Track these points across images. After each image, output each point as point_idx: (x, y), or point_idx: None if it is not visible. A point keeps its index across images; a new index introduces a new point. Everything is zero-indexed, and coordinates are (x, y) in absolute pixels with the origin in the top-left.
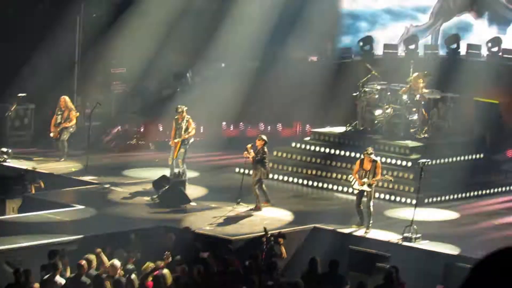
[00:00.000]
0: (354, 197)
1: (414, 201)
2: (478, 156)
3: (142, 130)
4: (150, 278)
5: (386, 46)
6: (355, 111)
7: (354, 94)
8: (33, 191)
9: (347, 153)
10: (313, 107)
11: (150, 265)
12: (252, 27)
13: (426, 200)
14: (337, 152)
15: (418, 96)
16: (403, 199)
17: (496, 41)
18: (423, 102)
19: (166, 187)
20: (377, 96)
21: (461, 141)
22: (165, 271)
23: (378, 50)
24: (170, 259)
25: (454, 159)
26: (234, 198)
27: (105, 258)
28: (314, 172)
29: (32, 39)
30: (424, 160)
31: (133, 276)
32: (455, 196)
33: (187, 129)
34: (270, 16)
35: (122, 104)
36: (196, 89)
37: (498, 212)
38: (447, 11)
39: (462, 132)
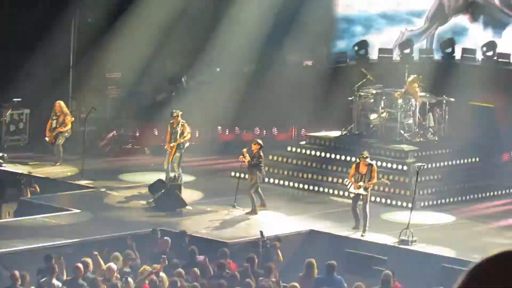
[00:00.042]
0: (350, 201)
1: (410, 205)
2: (473, 160)
3: (137, 134)
4: (147, 282)
5: (381, 50)
6: (350, 115)
7: (350, 98)
8: (29, 195)
9: (343, 157)
10: (308, 111)
11: (146, 268)
12: (247, 31)
13: (422, 204)
14: (333, 156)
15: (413, 100)
16: (399, 203)
17: (491, 45)
18: (418, 106)
19: (162, 191)
20: (372, 100)
21: (456, 145)
22: (162, 274)
23: (373, 55)
24: (167, 262)
25: (450, 163)
26: (230, 202)
27: (101, 262)
28: (310, 176)
29: (27, 43)
30: (419, 164)
31: (129, 279)
32: (451, 199)
33: (182, 133)
34: (265, 21)
35: (117, 109)
36: (191, 93)
37: (494, 216)
38: (442, 16)
39: (458, 136)
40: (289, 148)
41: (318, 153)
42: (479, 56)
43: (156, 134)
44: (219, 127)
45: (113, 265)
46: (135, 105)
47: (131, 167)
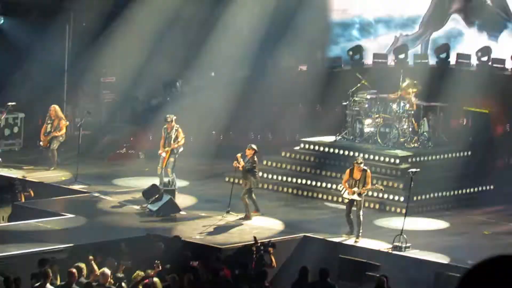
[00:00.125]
0: (344, 206)
1: (404, 211)
2: (468, 165)
3: (131, 139)
4: (140, 287)
5: (375, 55)
6: (345, 121)
7: (344, 103)
8: (23, 200)
9: (337, 163)
10: (303, 116)
11: (140, 273)
12: (242, 36)
13: (416, 210)
14: (327, 161)
15: (408, 105)
16: (393, 208)
17: (486, 50)
18: (413, 112)
19: (156, 196)
20: (367, 105)
21: (450, 150)
22: (155, 279)
23: (368, 60)
24: (160, 267)
25: (444, 168)
26: (224, 207)
27: (95, 267)
28: (304, 181)
29: (22, 48)
30: (414, 170)
31: (123, 284)
32: (445, 205)
33: (176, 138)
34: (260, 25)
35: (112, 113)
36: (185, 98)
37: (487, 222)
38: (437, 21)
39: (452, 141)
40: (283, 153)
41: (312, 159)
42: (474, 61)
43: (151, 138)
44: (214, 132)
45: (106, 270)
46: (130, 110)
47: (125, 172)
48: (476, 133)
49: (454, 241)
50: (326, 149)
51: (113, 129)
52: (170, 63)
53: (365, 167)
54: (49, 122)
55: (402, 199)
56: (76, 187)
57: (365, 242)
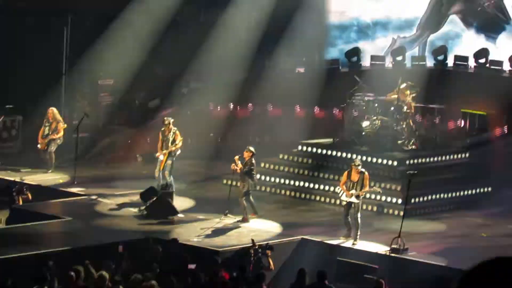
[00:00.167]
0: (342, 209)
1: (401, 213)
2: (465, 167)
3: (129, 141)
4: None
5: (373, 57)
6: (342, 123)
7: (342, 105)
8: (21, 203)
9: (335, 165)
10: (300, 118)
11: (137, 276)
12: (240, 38)
13: (413, 212)
14: (325, 163)
15: (405, 107)
16: (391, 211)
17: (483, 52)
18: (410, 114)
19: (154, 199)
20: (364, 107)
21: (448, 152)
22: (153, 282)
23: (366, 62)
24: (158, 270)
25: (442, 170)
26: (222, 210)
27: (93, 270)
28: (301, 183)
29: (19, 50)
30: (411, 172)
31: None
32: (443, 207)
33: (174, 141)
34: (258, 27)
35: (109, 116)
36: (183, 100)
37: (485, 224)
38: (435, 23)
39: (449, 143)
40: (281, 156)
41: (310, 161)
42: (471, 63)
43: (148, 141)
44: (211, 134)
45: (104, 273)
46: (127, 112)
47: (123, 175)
48: (473, 135)
49: (452, 243)
50: (324, 151)
51: (111, 132)
52: (168, 65)
53: (363, 169)
54: (47, 124)
55: (400, 201)
56: (74, 189)
57: (363, 245)
